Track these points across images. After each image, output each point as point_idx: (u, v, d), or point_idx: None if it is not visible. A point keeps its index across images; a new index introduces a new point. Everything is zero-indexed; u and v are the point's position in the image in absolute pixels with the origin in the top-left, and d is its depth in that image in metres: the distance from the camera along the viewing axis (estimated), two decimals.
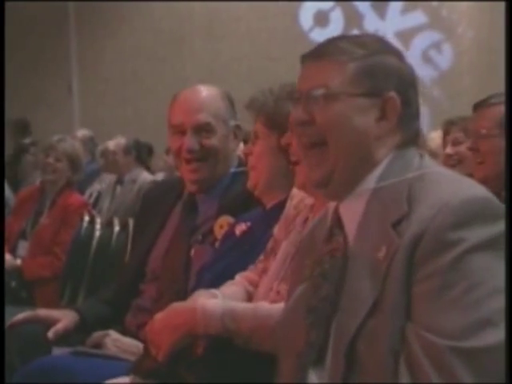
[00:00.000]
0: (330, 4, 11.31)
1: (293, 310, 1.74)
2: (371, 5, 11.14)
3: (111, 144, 7.54)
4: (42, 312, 2.96)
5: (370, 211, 1.61)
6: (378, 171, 1.64)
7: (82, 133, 9.04)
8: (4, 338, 2.74)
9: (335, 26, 11.17)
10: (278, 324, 1.82)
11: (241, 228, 2.62)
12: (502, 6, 7.37)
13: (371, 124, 1.64)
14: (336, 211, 1.70)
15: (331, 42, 1.70)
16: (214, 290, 2.25)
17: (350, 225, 1.65)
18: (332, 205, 1.73)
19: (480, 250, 1.46)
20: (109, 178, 7.78)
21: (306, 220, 2.32)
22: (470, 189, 1.53)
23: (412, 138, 1.69)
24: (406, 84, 1.67)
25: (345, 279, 1.62)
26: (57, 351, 2.74)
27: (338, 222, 1.69)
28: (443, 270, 1.46)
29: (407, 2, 10.99)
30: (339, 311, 1.60)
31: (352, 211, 1.65)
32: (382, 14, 11.10)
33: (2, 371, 2.58)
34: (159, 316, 2.18)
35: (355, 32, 11.10)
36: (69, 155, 5.08)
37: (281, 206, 2.54)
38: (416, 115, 1.70)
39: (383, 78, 1.65)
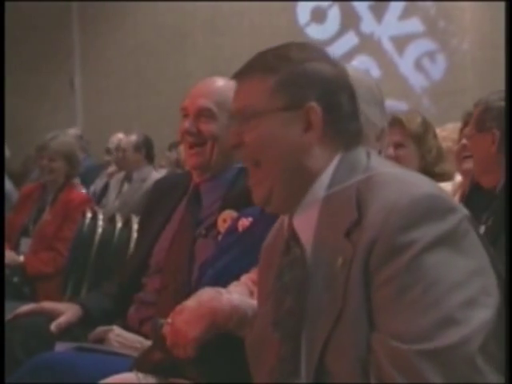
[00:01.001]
0: (329, 2, 11.31)
1: (261, 327, 1.73)
2: (369, 7, 11.13)
3: (122, 140, 7.54)
4: (47, 304, 2.97)
5: (322, 221, 1.60)
6: (325, 178, 1.63)
7: (71, 132, 9.05)
8: (4, 333, 2.75)
9: (331, 24, 11.18)
10: (248, 342, 1.80)
11: (243, 224, 2.63)
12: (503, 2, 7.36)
13: (298, 136, 1.63)
14: (290, 223, 1.68)
15: (257, 57, 1.71)
16: (219, 289, 2.24)
17: (306, 236, 1.63)
18: (286, 217, 1.71)
19: (432, 248, 1.44)
20: (110, 173, 7.79)
21: None
22: (415, 188, 1.51)
23: (353, 139, 1.67)
24: (333, 89, 1.65)
25: (306, 291, 1.60)
26: (60, 346, 2.74)
27: (293, 233, 1.67)
28: (399, 273, 1.44)
29: (405, 9, 10.97)
30: (307, 323, 1.59)
31: (305, 222, 1.63)
32: (379, 18, 11.10)
33: (2, 366, 2.59)
34: (185, 307, 2.07)
35: (351, 33, 11.15)
36: (63, 152, 5.06)
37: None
38: (351, 117, 1.67)
39: (302, 88, 1.64)
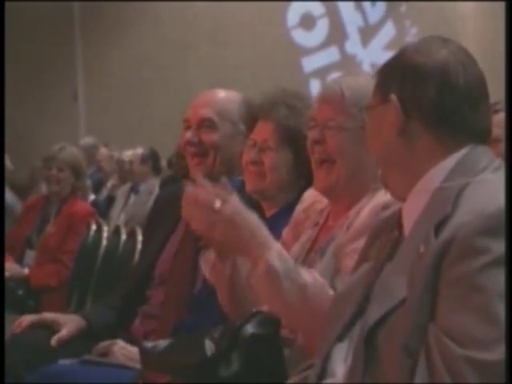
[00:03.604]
0: (321, 11, 11.35)
1: (352, 285, 1.76)
2: (358, 29, 11.16)
3: (128, 153, 7.57)
4: (48, 316, 2.97)
5: (425, 211, 1.63)
6: (445, 169, 1.64)
7: (84, 141, 9.08)
8: (4, 342, 2.75)
9: (317, 34, 11.21)
10: (337, 293, 1.85)
11: None
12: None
13: (387, 128, 1.71)
14: (401, 208, 1.74)
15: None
16: None
17: (408, 222, 1.68)
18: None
19: (503, 260, 1.45)
20: (112, 184, 7.80)
21: (316, 224, 2.33)
22: (503, 197, 1.52)
23: (482, 136, 1.69)
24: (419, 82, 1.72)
25: (383, 269, 1.66)
26: (63, 362, 2.74)
27: (399, 217, 1.72)
28: (470, 276, 1.45)
29: (393, 41, 10.98)
30: (372, 299, 1.63)
31: (412, 209, 1.67)
32: (365, 42, 11.12)
33: (2, 375, 2.59)
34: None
35: (334, 48, 11.19)
36: (70, 164, 5.08)
37: (281, 213, 2.58)
38: (475, 111, 1.68)
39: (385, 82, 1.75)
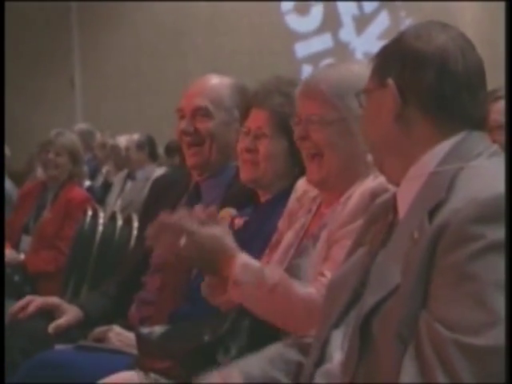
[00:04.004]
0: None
1: (348, 270, 1.76)
2: (353, 17, 11.14)
3: (124, 139, 7.55)
4: (53, 300, 2.97)
5: (419, 195, 1.63)
6: (440, 154, 1.63)
7: (79, 127, 9.06)
8: (4, 331, 2.75)
9: (312, 20, 11.18)
10: (331, 279, 1.84)
11: (238, 223, 2.65)
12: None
13: (385, 112, 1.71)
14: (396, 192, 1.74)
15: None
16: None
17: (402, 207, 1.68)
18: None
19: (499, 248, 1.45)
20: (107, 171, 7.80)
21: (309, 211, 2.34)
22: (499, 185, 1.51)
23: (477, 123, 1.68)
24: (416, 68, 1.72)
25: (378, 254, 1.66)
26: (58, 348, 2.75)
27: (394, 201, 1.73)
28: (463, 262, 1.45)
29: (387, 31, 10.96)
30: (367, 285, 1.63)
31: (406, 193, 1.67)
32: (359, 30, 11.08)
33: (2, 366, 2.59)
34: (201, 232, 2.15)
35: (327, 35, 11.16)
36: (68, 149, 5.08)
37: (275, 200, 2.59)
38: (472, 99, 1.67)
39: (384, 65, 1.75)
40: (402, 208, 1.68)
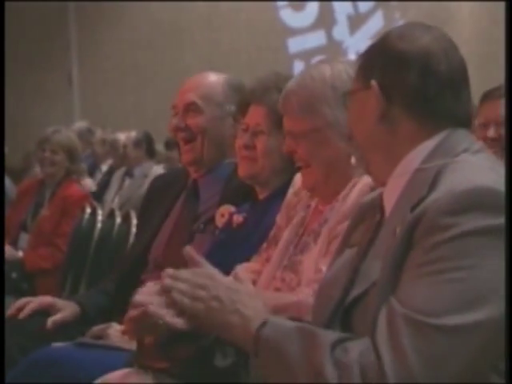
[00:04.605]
0: None
1: (339, 269, 1.76)
2: (347, 16, 11.15)
3: (121, 136, 7.55)
4: (47, 299, 2.97)
5: (403, 193, 1.64)
6: (424, 151, 1.65)
7: (78, 125, 9.06)
8: (4, 330, 2.75)
9: (306, 16, 11.17)
10: (323, 280, 1.83)
11: (237, 219, 2.65)
12: None
13: (369, 113, 1.70)
14: (382, 192, 1.75)
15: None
16: None
17: (388, 205, 1.69)
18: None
19: (474, 235, 1.46)
20: (106, 168, 7.79)
21: (308, 207, 2.34)
22: (476, 178, 1.52)
23: (463, 120, 1.69)
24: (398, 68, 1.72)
25: (366, 254, 1.67)
26: (57, 345, 2.74)
27: (381, 200, 1.74)
28: (428, 248, 1.47)
29: (384, 30, 10.98)
30: (355, 281, 1.65)
31: (392, 192, 1.68)
32: (353, 30, 11.08)
33: (2, 364, 2.59)
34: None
35: (321, 32, 11.16)
36: (65, 146, 5.07)
37: (274, 196, 2.58)
38: (445, 95, 1.68)
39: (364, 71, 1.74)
40: (388, 206, 1.69)
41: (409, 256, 1.51)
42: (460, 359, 1.42)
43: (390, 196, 1.68)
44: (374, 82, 1.67)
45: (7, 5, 6.26)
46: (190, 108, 2.89)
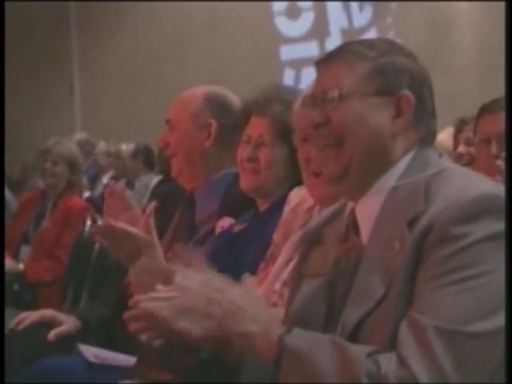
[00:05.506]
0: (308, 4, 11.36)
1: (311, 302, 1.75)
2: (341, 30, 11.19)
3: (124, 148, 7.56)
4: (48, 313, 2.97)
5: (386, 210, 1.65)
6: (398, 170, 1.67)
7: (78, 136, 9.06)
8: (4, 341, 2.75)
9: (300, 25, 11.20)
10: (293, 310, 1.79)
11: (237, 228, 2.65)
12: (502, 3, 7.37)
13: (386, 122, 1.67)
14: (353, 211, 1.73)
15: (342, 46, 1.76)
16: None
17: (366, 224, 1.68)
18: (350, 204, 1.76)
19: (487, 241, 1.49)
20: (108, 180, 7.77)
21: (305, 223, 2.32)
22: (480, 185, 1.56)
23: (429, 138, 1.73)
24: (419, 83, 1.71)
25: (356, 275, 1.65)
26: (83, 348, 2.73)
27: (353, 220, 1.72)
28: (444, 259, 1.49)
29: None
30: (348, 302, 1.64)
31: (368, 210, 1.68)
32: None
33: (2, 370, 2.59)
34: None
35: (314, 43, 11.17)
36: (66, 158, 5.06)
37: (274, 207, 2.58)
38: (432, 114, 1.73)
39: (395, 76, 1.69)
40: (365, 225, 1.68)
41: (421, 269, 1.52)
42: (491, 364, 1.46)
43: (366, 214, 1.68)
44: (407, 93, 1.68)
45: (10, 13, 6.29)
46: (169, 125, 2.94)
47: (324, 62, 1.74)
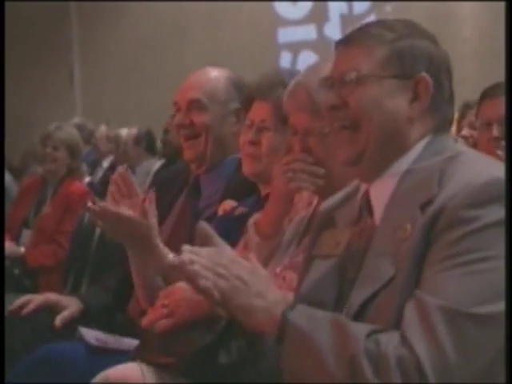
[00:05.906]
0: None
1: (322, 283, 1.75)
2: (341, 15, 11.16)
3: (124, 133, 7.53)
4: (53, 297, 2.98)
5: (400, 192, 1.65)
6: (413, 154, 1.68)
7: (74, 121, 9.04)
8: (4, 327, 2.75)
9: (298, 9, 11.18)
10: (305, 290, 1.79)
11: (239, 211, 2.65)
12: None
13: (403, 105, 1.68)
14: (366, 192, 1.73)
15: (361, 27, 1.75)
16: None
17: (380, 205, 1.69)
18: (362, 187, 1.76)
19: (496, 226, 1.50)
20: (108, 164, 7.78)
21: (309, 204, 2.32)
22: (492, 170, 1.56)
23: (445, 125, 1.73)
24: (438, 67, 1.71)
25: (365, 258, 1.65)
26: (85, 331, 2.73)
27: (367, 202, 1.72)
28: (454, 241, 1.50)
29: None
30: (356, 283, 1.64)
31: (382, 192, 1.69)
32: (344, 30, 11.02)
33: (2, 361, 2.59)
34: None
35: (312, 26, 11.14)
36: (66, 143, 5.06)
37: None
38: (449, 100, 1.73)
39: (413, 60, 1.69)
40: (379, 206, 1.69)
41: (430, 251, 1.53)
42: (491, 349, 1.46)
43: (380, 196, 1.69)
44: (425, 75, 1.68)
45: (9, 3, 6.28)
46: (194, 105, 2.90)
47: (343, 43, 1.74)
